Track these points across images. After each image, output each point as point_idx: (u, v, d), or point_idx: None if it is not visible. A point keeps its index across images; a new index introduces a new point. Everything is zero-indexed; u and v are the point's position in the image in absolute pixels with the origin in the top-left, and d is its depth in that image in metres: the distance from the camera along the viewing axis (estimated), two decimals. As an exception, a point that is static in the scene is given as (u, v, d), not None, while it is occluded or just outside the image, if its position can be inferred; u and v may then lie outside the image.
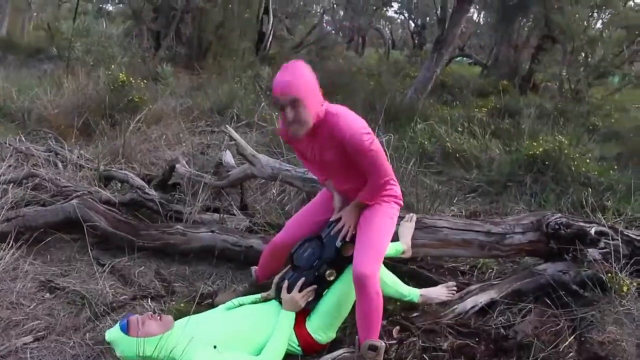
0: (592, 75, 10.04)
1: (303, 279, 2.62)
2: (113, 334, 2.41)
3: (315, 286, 2.64)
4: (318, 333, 2.63)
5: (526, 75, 12.59)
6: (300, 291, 2.60)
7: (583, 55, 10.62)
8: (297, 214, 2.96)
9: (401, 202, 2.76)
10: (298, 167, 3.96)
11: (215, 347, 2.38)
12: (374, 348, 2.43)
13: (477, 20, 24.42)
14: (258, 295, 2.77)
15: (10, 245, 3.32)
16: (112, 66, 8.02)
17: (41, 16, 23.24)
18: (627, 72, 10.68)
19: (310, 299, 2.63)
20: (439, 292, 3.04)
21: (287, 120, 2.30)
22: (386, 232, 2.61)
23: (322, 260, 2.65)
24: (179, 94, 8.52)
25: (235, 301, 2.76)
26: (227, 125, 4.38)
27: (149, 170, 5.19)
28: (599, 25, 10.47)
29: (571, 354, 2.63)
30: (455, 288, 3.10)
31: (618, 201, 4.70)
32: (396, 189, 2.72)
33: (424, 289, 3.03)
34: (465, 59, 21.89)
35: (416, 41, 25.64)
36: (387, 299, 2.78)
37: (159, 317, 2.46)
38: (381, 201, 2.65)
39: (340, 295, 2.65)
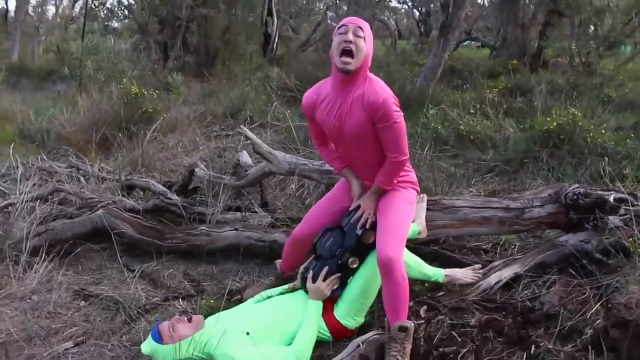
0: (603, 46, 9.93)
1: (327, 267, 2.68)
2: (149, 345, 2.45)
3: (339, 274, 2.69)
4: (346, 319, 2.69)
5: (535, 52, 12.50)
6: (324, 280, 2.66)
7: (592, 27, 10.53)
8: (315, 206, 3.01)
9: (417, 188, 2.81)
10: (315, 160, 4.02)
11: (248, 333, 2.44)
12: (403, 329, 2.46)
13: (481, 3, 24.29)
14: (285, 286, 2.83)
15: (42, 259, 3.44)
16: (122, 79, 8.14)
17: (49, 39, 23.58)
18: (639, 40, 10.56)
19: (335, 287, 2.68)
20: (465, 274, 3.06)
21: (344, 43, 2.36)
22: (406, 216, 2.66)
23: (344, 248, 2.70)
24: (191, 101, 8.63)
25: (264, 294, 2.83)
26: (242, 126, 4.46)
27: (168, 177, 5.28)
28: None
29: (598, 320, 2.65)
30: (480, 271, 3.11)
31: (637, 168, 4.69)
32: (412, 174, 2.78)
33: (448, 269, 3.07)
34: (472, 42, 21.76)
35: (422, 29, 25.52)
36: (413, 281, 2.83)
37: (187, 319, 2.51)
38: (398, 187, 2.70)
39: (365, 282, 2.70)
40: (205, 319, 2.57)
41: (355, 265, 2.70)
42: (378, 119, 2.42)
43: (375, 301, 2.78)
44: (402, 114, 2.48)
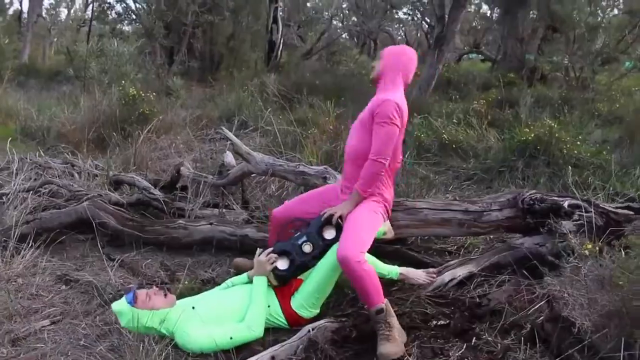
0: (596, 62, 10.10)
1: (274, 249, 2.94)
2: (119, 305, 2.71)
3: (275, 255, 2.91)
4: (302, 310, 2.88)
5: (533, 67, 12.67)
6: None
7: (587, 42, 10.70)
8: (301, 195, 3.36)
9: (388, 206, 3.04)
10: (291, 162, 4.23)
11: (193, 307, 2.71)
12: (380, 311, 2.65)
13: (490, 16, 24.43)
14: (246, 275, 3.04)
15: (30, 245, 3.67)
16: (123, 82, 8.39)
17: (60, 41, 24.02)
18: (635, 57, 10.73)
19: (275, 263, 2.89)
20: (419, 275, 3.20)
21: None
22: (370, 223, 2.89)
23: (303, 234, 2.96)
24: (189, 105, 8.87)
25: (229, 282, 3.05)
26: (223, 127, 4.67)
27: (159, 175, 5.50)
28: (599, 12, 10.50)
29: (541, 317, 2.81)
30: (435, 275, 3.22)
31: (607, 179, 4.85)
32: (387, 192, 3.03)
33: (403, 268, 3.23)
34: (475, 55, 21.95)
35: (430, 41, 25.70)
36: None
37: (164, 294, 2.78)
38: (370, 200, 2.95)
39: (321, 278, 2.89)
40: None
41: (308, 250, 2.91)
42: (375, 114, 2.84)
43: (331, 294, 2.97)
44: (399, 122, 2.85)
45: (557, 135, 5.34)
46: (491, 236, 3.95)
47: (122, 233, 3.84)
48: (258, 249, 3.04)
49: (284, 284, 2.93)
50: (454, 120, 6.66)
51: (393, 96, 2.87)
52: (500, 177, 5.32)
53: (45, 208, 4.11)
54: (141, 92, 7.50)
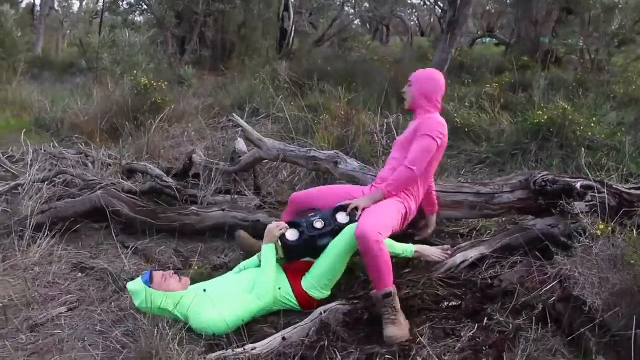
0: (612, 44, 9.94)
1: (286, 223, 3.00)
2: (135, 285, 2.79)
3: (286, 225, 2.96)
4: (313, 291, 2.90)
5: (547, 49, 12.50)
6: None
7: (603, 23, 10.53)
8: (325, 186, 3.44)
9: (409, 214, 3.08)
10: (302, 147, 4.24)
11: (205, 290, 2.78)
12: (388, 295, 2.66)
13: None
14: (256, 259, 3.07)
15: (45, 235, 3.73)
16: (135, 72, 8.43)
17: (74, 33, 24.15)
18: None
19: (285, 231, 2.93)
20: (434, 252, 3.21)
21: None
22: (391, 212, 2.94)
23: (317, 213, 3.03)
24: (201, 94, 8.90)
25: (241, 265, 3.11)
26: (234, 115, 4.69)
27: (172, 164, 5.54)
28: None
29: (553, 297, 2.81)
30: (449, 252, 3.23)
31: (621, 161, 4.80)
32: (411, 202, 3.08)
33: (418, 246, 3.22)
34: (489, 39, 21.70)
35: (443, 26, 25.43)
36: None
37: (179, 278, 2.86)
38: (393, 198, 3.02)
39: (334, 258, 2.90)
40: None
41: (319, 227, 2.94)
42: (420, 127, 3.03)
43: (343, 276, 2.99)
44: (441, 140, 3.02)
45: (570, 117, 5.29)
46: (503, 218, 3.93)
47: (135, 221, 3.89)
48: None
49: (289, 259, 2.95)
50: (466, 104, 6.62)
51: (436, 116, 3.10)
52: (513, 160, 5.29)
53: (60, 198, 4.16)
54: (153, 82, 7.53)
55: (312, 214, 3.06)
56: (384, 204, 2.96)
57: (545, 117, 5.36)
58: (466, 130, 6.00)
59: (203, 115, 7.35)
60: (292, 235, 2.96)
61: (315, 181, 4.66)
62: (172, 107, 6.86)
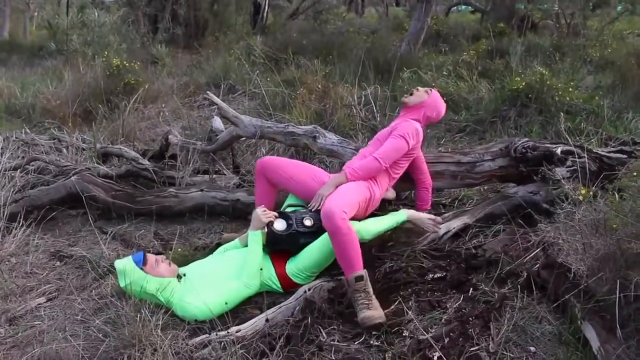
0: (587, 7, 9.92)
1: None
2: (124, 264, 2.72)
3: (275, 214, 2.91)
4: (296, 278, 2.86)
5: (523, 15, 12.44)
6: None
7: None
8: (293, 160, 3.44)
9: (372, 198, 3.05)
10: (279, 123, 4.17)
11: (184, 274, 2.77)
12: (359, 278, 2.59)
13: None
14: (237, 241, 3.02)
15: (20, 224, 3.62)
16: (106, 52, 8.21)
17: (42, 14, 23.46)
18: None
19: (271, 219, 2.87)
20: (426, 222, 3.09)
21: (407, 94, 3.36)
22: (355, 192, 2.93)
23: (307, 211, 3.00)
24: (175, 73, 8.71)
25: (221, 248, 3.05)
26: (209, 92, 4.58)
27: (149, 145, 5.43)
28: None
29: (537, 264, 2.81)
30: (440, 225, 3.14)
31: (600, 124, 4.80)
32: (376, 189, 3.07)
33: (412, 211, 3.14)
34: (465, 7, 21.55)
35: (418, -5, 25.12)
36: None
37: (169, 264, 2.81)
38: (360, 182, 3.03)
39: (321, 254, 2.84)
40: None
41: (308, 224, 2.90)
42: (397, 127, 3.15)
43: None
44: (412, 143, 3.13)
45: (548, 82, 5.26)
46: (485, 187, 3.92)
47: (113, 205, 3.80)
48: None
49: (269, 247, 2.89)
50: (444, 73, 6.56)
51: (417, 124, 3.21)
52: (492, 128, 5.26)
53: (33, 186, 4.05)
54: (125, 62, 7.34)
55: (303, 210, 3.02)
56: (349, 185, 2.95)
57: (523, 84, 5.33)
58: (445, 99, 5.92)
59: (178, 94, 7.21)
60: (279, 225, 2.90)
61: (294, 157, 4.59)
62: (146, 87, 6.69)
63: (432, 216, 3.14)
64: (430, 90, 3.37)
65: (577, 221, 2.73)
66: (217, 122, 4.74)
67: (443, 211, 3.72)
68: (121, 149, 4.50)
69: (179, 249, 3.23)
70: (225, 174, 4.24)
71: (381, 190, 3.12)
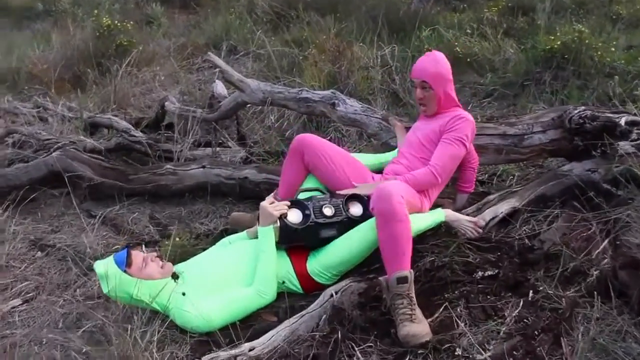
0: (612, -41, 9.20)
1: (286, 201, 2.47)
2: (105, 267, 2.22)
3: (288, 203, 2.43)
4: (319, 277, 2.40)
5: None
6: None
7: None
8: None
9: (420, 211, 2.59)
10: (291, 88, 3.65)
11: (184, 294, 2.22)
12: (403, 280, 2.10)
13: None
14: (244, 233, 2.55)
15: (-5, 207, 3.16)
16: (95, 11, 7.60)
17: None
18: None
19: (283, 211, 2.39)
20: (465, 225, 2.57)
21: (417, 98, 2.73)
22: (412, 193, 2.48)
23: (326, 197, 2.52)
24: (172, 33, 8.12)
25: (225, 240, 2.59)
26: (210, 53, 4.03)
27: (145, 113, 4.94)
28: None
29: (606, 260, 2.33)
30: (481, 230, 2.60)
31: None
32: (426, 202, 2.64)
33: (447, 210, 2.64)
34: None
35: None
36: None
37: (162, 263, 2.31)
38: None
39: (351, 251, 2.37)
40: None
41: (328, 214, 2.42)
42: (449, 127, 2.60)
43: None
44: (468, 148, 2.64)
45: (587, 41, 4.71)
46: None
47: (101, 185, 3.32)
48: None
49: (282, 243, 2.39)
50: (468, 31, 5.98)
51: (464, 113, 2.68)
52: (524, 92, 4.74)
53: (11, 162, 3.56)
54: (117, 22, 6.74)
55: (321, 196, 2.53)
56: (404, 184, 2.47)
57: (558, 43, 4.78)
58: (468, 60, 5.40)
59: (175, 57, 6.63)
60: (294, 216, 2.41)
61: (307, 125, 4.11)
62: (140, 49, 6.13)
63: (473, 219, 2.61)
64: (430, 87, 2.65)
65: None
66: (219, 87, 4.22)
67: (481, 189, 3.24)
68: (111, 119, 3.99)
69: (177, 238, 2.74)
70: (230, 147, 3.73)
71: (430, 204, 2.66)
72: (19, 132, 3.80)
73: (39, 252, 2.98)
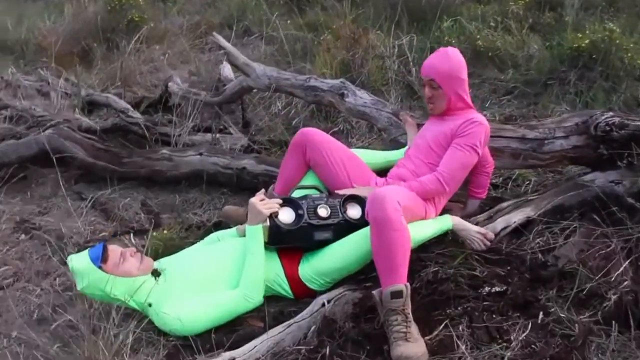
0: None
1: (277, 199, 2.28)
2: (79, 262, 2.07)
3: (280, 201, 2.25)
4: (312, 284, 2.23)
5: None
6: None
7: None
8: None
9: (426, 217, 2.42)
10: (300, 74, 3.46)
11: (150, 305, 2.07)
12: (397, 294, 1.92)
13: None
14: (234, 229, 2.39)
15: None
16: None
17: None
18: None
19: (274, 209, 2.21)
20: (473, 236, 2.38)
21: (425, 96, 2.55)
22: (414, 199, 2.31)
23: (322, 196, 2.34)
24: (187, 11, 7.92)
25: (214, 236, 2.43)
26: (215, 33, 3.85)
27: (150, 92, 4.77)
28: None
29: (626, 282, 2.13)
30: (489, 243, 2.40)
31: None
32: (431, 209, 2.45)
33: (456, 218, 2.45)
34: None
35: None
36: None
37: (140, 258, 2.15)
38: None
39: (348, 257, 2.20)
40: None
41: (323, 215, 2.24)
42: (461, 132, 2.40)
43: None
44: (481, 152, 2.44)
45: (617, 41, 4.45)
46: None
47: (94, 166, 3.17)
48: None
49: (272, 244, 2.22)
50: (491, 24, 5.72)
51: (478, 115, 2.48)
52: (547, 92, 4.50)
53: (3, 138, 3.41)
54: (130, -4, 6.57)
55: (317, 195, 2.35)
56: (406, 190, 2.30)
57: (587, 41, 4.52)
58: (490, 54, 5.16)
59: (187, 35, 6.45)
60: (286, 216, 2.24)
61: (316, 115, 3.92)
62: (151, 25, 5.95)
63: (482, 230, 2.41)
64: (438, 86, 2.45)
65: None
66: (227, 70, 4.04)
67: (493, 194, 3.04)
68: (108, 97, 3.82)
69: (165, 230, 2.57)
70: (231, 133, 3.55)
71: (436, 212, 2.47)
72: (12, 107, 3.65)
73: (23, 235, 2.84)
